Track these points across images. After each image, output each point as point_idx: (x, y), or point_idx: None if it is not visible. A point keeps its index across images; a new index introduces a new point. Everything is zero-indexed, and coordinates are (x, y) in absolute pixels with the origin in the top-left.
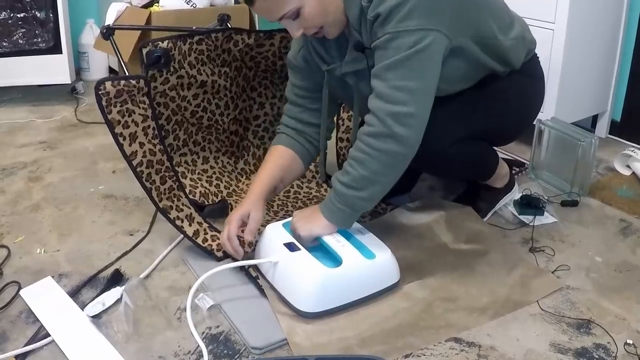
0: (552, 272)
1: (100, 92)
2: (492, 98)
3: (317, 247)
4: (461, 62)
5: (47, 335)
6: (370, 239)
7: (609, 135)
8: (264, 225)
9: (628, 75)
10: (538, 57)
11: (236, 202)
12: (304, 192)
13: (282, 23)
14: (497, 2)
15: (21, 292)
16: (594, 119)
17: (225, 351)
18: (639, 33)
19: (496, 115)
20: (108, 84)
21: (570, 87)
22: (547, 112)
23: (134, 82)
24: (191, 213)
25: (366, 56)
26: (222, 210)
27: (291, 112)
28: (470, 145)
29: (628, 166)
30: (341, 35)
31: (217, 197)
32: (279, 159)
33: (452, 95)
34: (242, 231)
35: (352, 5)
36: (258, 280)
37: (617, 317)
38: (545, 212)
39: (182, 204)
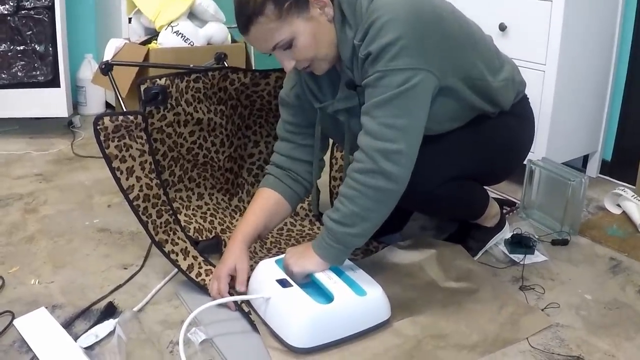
0: (542, 310)
1: (98, 127)
2: (482, 138)
3: (309, 284)
4: (450, 101)
5: None
6: (361, 276)
7: (600, 175)
8: (256, 262)
9: (618, 115)
10: (528, 98)
11: (230, 239)
12: (296, 230)
13: (275, 54)
14: (487, 45)
15: (15, 322)
16: (585, 159)
17: None
18: (629, 74)
19: (486, 155)
20: (106, 120)
21: (561, 127)
22: (538, 152)
23: (131, 117)
24: (186, 247)
25: (358, 94)
26: (216, 246)
27: (282, 149)
28: (460, 185)
29: (618, 205)
30: (334, 73)
31: (211, 233)
32: (264, 203)
33: (441, 134)
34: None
35: (345, 44)
36: (250, 316)
37: (606, 354)
38: (536, 251)
39: (178, 238)
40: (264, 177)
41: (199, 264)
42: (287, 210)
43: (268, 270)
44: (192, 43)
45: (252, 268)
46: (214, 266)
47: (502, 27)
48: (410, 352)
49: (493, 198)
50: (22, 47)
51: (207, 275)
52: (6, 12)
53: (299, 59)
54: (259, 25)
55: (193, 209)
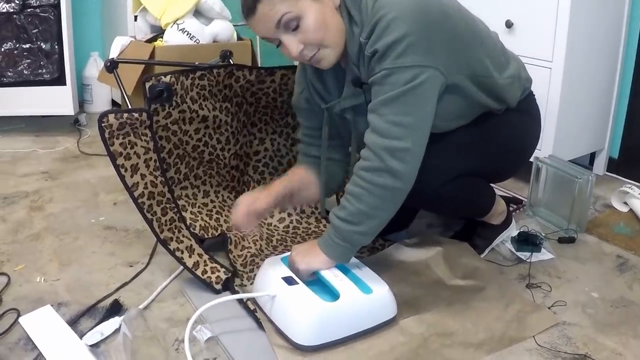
0: (549, 308)
1: (103, 124)
2: (488, 135)
3: (315, 282)
4: (457, 99)
5: None
6: (367, 274)
7: (607, 173)
8: (262, 260)
9: (625, 112)
10: (534, 95)
11: (235, 236)
12: (302, 227)
13: (282, 38)
14: (493, 41)
15: (20, 320)
16: (592, 157)
17: None
18: (636, 71)
19: (492, 152)
20: (111, 117)
21: (568, 124)
22: (544, 150)
23: (136, 115)
24: (191, 245)
25: (364, 91)
26: (221, 243)
27: (306, 150)
28: (467, 183)
29: (625, 203)
30: (339, 71)
31: (216, 231)
32: (299, 174)
33: (447, 132)
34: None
35: (352, 41)
36: (256, 313)
37: (613, 352)
38: (543, 249)
39: (183, 236)
40: (299, 159)
41: (205, 261)
42: (316, 191)
43: (274, 267)
44: (197, 41)
45: (257, 266)
46: (220, 264)
47: (509, 24)
48: (417, 351)
49: (499, 196)
50: (28, 45)
51: (212, 272)
52: (12, 10)
53: (307, 41)
54: (267, 1)
55: (199, 207)
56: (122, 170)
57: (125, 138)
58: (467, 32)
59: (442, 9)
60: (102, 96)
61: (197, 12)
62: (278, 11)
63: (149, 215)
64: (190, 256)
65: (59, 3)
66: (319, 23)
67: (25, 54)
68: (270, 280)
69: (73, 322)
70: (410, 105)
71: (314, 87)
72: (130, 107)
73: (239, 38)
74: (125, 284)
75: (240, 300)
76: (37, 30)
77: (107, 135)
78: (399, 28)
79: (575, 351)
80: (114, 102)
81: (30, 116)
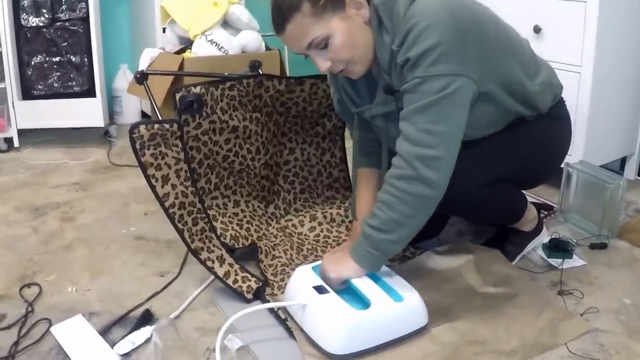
0: (581, 315)
1: (134, 136)
2: (519, 142)
3: (346, 290)
4: (488, 107)
5: None
6: (398, 282)
7: (638, 177)
8: (293, 269)
9: None
10: (564, 101)
11: (266, 246)
12: (333, 237)
13: (310, 55)
14: (524, 49)
15: (52, 329)
16: (623, 161)
17: None
18: None
19: (523, 159)
20: (142, 128)
21: (598, 129)
22: (575, 156)
23: (167, 126)
24: (222, 254)
25: (395, 99)
26: (252, 253)
27: (356, 145)
28: (498, 189)
29: None
30: (370, 78)
31: (247, 241)
32: (368, 181)
33: (479, 139)
34: None
35: (383, 49)
36: (287, 322)
37: None
38: (574, 255)
39: (214, 246)
40: (356, 160)
41: (235, 271)
42: None
43: (305, 276)
44: (226, 51)
45: (288, 275)
46: (250, 273)
47: (537, 30)
48: (448, 359)
49: (530, 202)
50: (57, 59)
51: (243, 282)
52: (41, 24)
53: (335, 60)
54: (295, 23)
55: (229, 217)
56: (153, 181)
57: (157, 149)
58: (498, 39)
59: (474, 16)
60: (131, 108)
61: (225, 23)
62: (308, 34)
63: (179, 225)
64: (221, 266)
65: (88, 16)
66: (348, 42)
67: (55, 67)
68: (301, 289)
69: (104, 332)
70: (442, 113)
71: (345, 91)
72: (160, 118)
73: (267, 48)
74: (156, 293)
75: (271, 310)
76: (66, 43)
77: (138, 146)
78: (431, 36)
79: (607, 358)
80: (143, 114)
81: (61, 128)
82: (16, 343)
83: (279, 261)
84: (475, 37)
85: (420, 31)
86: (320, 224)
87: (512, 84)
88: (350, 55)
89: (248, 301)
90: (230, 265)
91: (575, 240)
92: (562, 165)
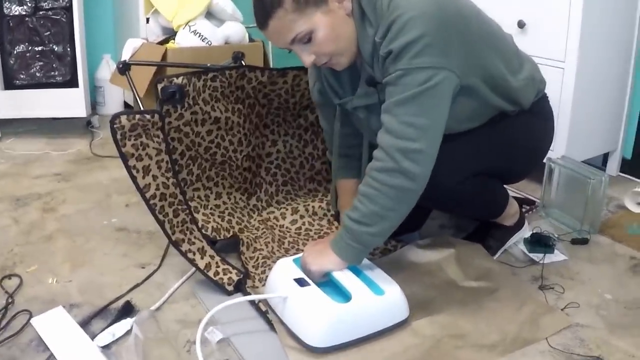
0: (562, 310)
1: (115, 126)
2: (501, 136)
3: (327, 283)
4: (470, 100)
5: None
6: (379, 275)
7: (620, 173)
8: (274, 262)
9: (638, 113)
10: (547, 97)
11: (247, 238)
12: (314, 230)
13: (293, 49)
14: (507, 44)
15: (32, 321)
16: (605, 157)
17: None
18: None
19: (505, 153)
20: (123, 118)
21: (581, 125)
22: (557, 151)
23: (148, 116)
24: (203, 246)
25: (377, 91)
26: (233, 245)
27: (329, 142)
28: (480, 183)
29: (638, 204)
30: (354, 69)
31: (228, 233)
32: (350, 193)
33: (461, 133)
34: None
35: (365, 41)
36: (268, 315)
37: (627, 355)
38: (556, 250)
39: (195, 237)
40: (335, 169)
41: (217, 263)
42: None
43: (286, 269)
44: (209, 42)
45: (269, 268)
46: (232, 266)
47: (521, 24)
48: (429, 352)
49: (512, 197)
50: (40, 48)
51: (224, 274)
52: (24, 13)
53: (319, 53)
54: (278, 19)
55: (211, 208)
56: (134, 172)
57: (137, 139)
58: (482, 33)
59: (458, 10)
60: (114, 98)
61: (209, 14)
62: (291, 30)
63: (160, 217)
64: (202, 258)
65: (71, 5)
66: (331, 36)
67: (37, 56)
68: (282, 282)
69: (85, 324)
70: (424, 106)
71: (328, 83)
72: (142, 108)
73: (251, 39)
74: (137, 285)
75: (252, 302)
76: (49, 32)
77: (119, 137)
78: (414, 29)
79: (588, 353)
80: (126, 104)
81: (43, 118)
82: None
83: (260, 254)
84: (458, 31)
85: (404, 23)
86: (302, 216)
87: (494, 78)
88: (333, 48)
89: (229, 293)
90: (212, 257)
91: (556, 235)
92: (544, 160)
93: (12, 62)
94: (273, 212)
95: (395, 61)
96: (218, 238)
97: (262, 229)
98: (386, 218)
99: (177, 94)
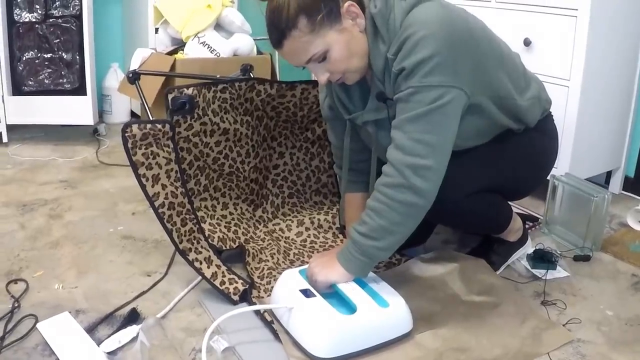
0: (564, 325)
1: (126, 134)
2: (506, 154)
3: (332, 294)
4: (478, 118)
5: None
6: (384, 288)
7: (623, 191)
8: (279, 273)
9: None
10: (552, 115)
11: (253, 249)
12: (320, 242)
13: (308, 67)
14: (515, 64)
15: (38, 326)
16: (608, 175)
17: None
18: None
19: (510, 170)
20: (134, 127)
21: (585, 143)
22: (561, 168)
23: (159, 126)
24: (210, 256)
25: (387, 106)
26: (239, 255)
27: (338, 156)
28: (484, 199)
29: None
30: (364, 85)
31: (234, 243)
32: (358, 207)
33: (466, 149)
34: None
35: (378, 56)
36: (273, 325)
37: None
38: (558, 267)
39: (202, 247)
40: (344, 184)
41: (223, 272)
42: None
43: (291, 279)
44: (218, 54)
45: (275, 279)
46: (237, 275)
47: (527, 42)
48: None
49: (516, 213)
50: (49, 55)
51: (230, 283)
52: (34, 20)
53: (333, 71)
54: (293, 40)
55: (217, 218)
56: (144, 180)
57: (148, 148)
58: (492, 54)
59: (469, 30)
60: (121, 107)
61: (218, 26)
62: (307, 52)
63: (168, 226)
64: (208, 267)
65: (81, 14)
66: (345, 54)
67: (46, 63)
68: (288, 292)
69: (91, 330)
70: (434, 124)
71: (338, 98)
72: (151, 118)
73: (259, 52)
74: (143, 293)
75: (257, 312)
76: (58, 40)
77: (130, 145)
78: (427, 47)
79: None
80: (133, 113)
81: (50, 125)
82: (2, 338)
83: (266, 265)
84: (469, 50)
85: (417, 41)
86: (307, 229)
87: (502, 97)
88: (347, 66)
89: (234, 303)
90: (218, 266)
91: (559, 252)
92: (548, 178)
93: (20, 68)
94: (279, 223)
95: (407, 78)
96: (224, 248)
97: (268, 240)
98: (393, 233)
99: (187, 104)
